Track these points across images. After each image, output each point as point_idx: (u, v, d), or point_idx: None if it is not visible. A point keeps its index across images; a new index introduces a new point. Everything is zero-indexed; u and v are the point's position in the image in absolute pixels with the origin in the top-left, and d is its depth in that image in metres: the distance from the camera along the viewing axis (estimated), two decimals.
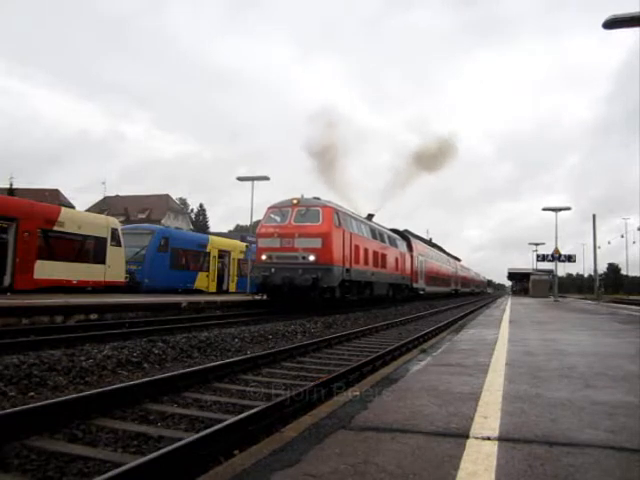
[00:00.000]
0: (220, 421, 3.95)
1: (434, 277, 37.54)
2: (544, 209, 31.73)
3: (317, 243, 15.79)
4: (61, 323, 10.61)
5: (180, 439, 3.41)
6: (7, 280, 15.60)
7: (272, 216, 17.06)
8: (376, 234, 22.44)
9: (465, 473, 2.20)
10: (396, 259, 25.51)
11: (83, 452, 3.30)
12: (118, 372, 6.03)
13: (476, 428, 2.89)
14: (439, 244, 62.46)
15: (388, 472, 2.22)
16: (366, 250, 19.86)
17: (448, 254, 56.23)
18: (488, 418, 3.10)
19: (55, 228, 17.33)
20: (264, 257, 16.26)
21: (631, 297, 54.96)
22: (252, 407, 4.35)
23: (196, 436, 3.39)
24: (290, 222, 16.39)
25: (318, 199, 17.34)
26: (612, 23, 10.68)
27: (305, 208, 16.65)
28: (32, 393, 4.84)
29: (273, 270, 15.86)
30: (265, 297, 16.52)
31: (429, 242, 51.41)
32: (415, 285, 30.49)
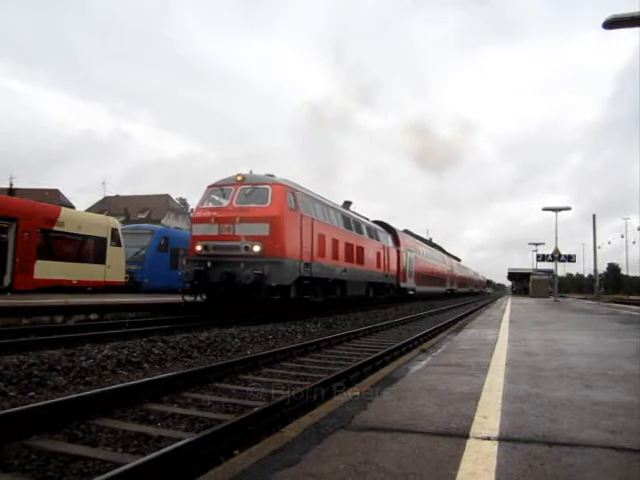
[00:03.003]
0: (220, 421, 3.96)
1: (426, 276, 34.63)
2: (544, 209, 31.74)
3: (264, 230, 12.48)
4: (61, 323, 10.61)
5: (180, 439, 3.41)
6: (7, 280, 15.61)
7: (212, 197, 13.79)
8: (350, 223, 18.98)
9: (465, 473, 2.20)
10: (378, 254, 22.28)
11: (83, 452, 3.30)
12: (118, 372, 6.02)
13: (476, 428, 2.88)
14: (439, 244, 62.49)
15: (388, 472, 2.22)
16: (335, 241, 16.52)
17: (448, 254, 56.18)
18: (488, 418, 3.10)
19: (55, 228, 17.33)
20: (199, 248, 12.90)
21: (631, 297, 54.95)
22: (252, 407, 4.35)
23: (196, 436, 3.39)
24: (232, 204, 13.00)
25: (272, 176, 13.94)
26: (612, 23, 10.67)
27: (251, 186, 13.19)
28: (32, 393, 4.84)
29: (209, 264, 12.60)
30: (199, 298, 13.06)
31: (429, 242, 51.37)
32: (403, 284, 27.19)
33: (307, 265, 13.86)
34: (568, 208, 31.59)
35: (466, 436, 2.74)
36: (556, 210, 31.40)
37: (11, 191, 43.26)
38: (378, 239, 22.92)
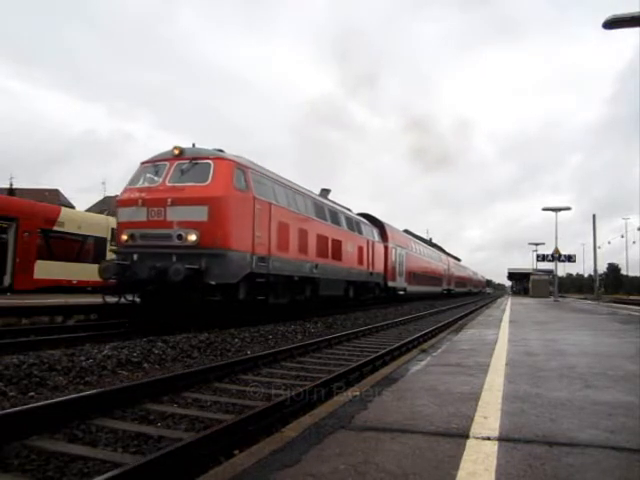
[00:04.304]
0: (220, 421, 3.96)
1: (419, 274, 32.22)
2: (544, 209, 31.74)
3: (201, 214, 10.12)
4: (61, 323, 10.61)
5: (180, 439, 3.42)
6: (7, 280, 15.62)
7: (144, 175, 11.22)
8: (325, 213, 16.45)
9: (465, 473, 2.20)
10: (360, 249, 19.82)
11: (83, 452, 3.30)
12: (118, 372, 6.02)
13: (476, 428, 2.89)
14: (439, 244, 62.42)
15: (388, 472, 2.22)
16: (303, 232, 14.07)
17: (447, 253, 56.10)
18: (488, 418, 3.10)
19: (55, 228, 17.34)
20: (124, 237, 10.61)
21: (631, 297, 54.94)
22: (252, 407, 4.35)
23: (196, 436, 3.39)
24: (164, 183, 10.58)
25: (222, 151, 11.38)
26: (612, 23, 10.67)
27: (189, 161, 10.74)
28: (32, 393, 4.84)
29: (135, 257, 10.27)
30: (124, 300, 10.58)
31: (429, 242, 51.32)
32: (391, 283, 24.65)
33: (262, 259, 11.41)
34: (568, 208, 31.61)
35: (466, 436, 2.74)
36: (556, 210, 31.41)
37: (11, 191, 43.26)
38: (361, 232, 20.50)
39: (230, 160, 10.96)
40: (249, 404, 4.70)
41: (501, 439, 2.69)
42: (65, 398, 4.18)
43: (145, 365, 6.49)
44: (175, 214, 10.19)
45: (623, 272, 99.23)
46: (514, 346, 7.00)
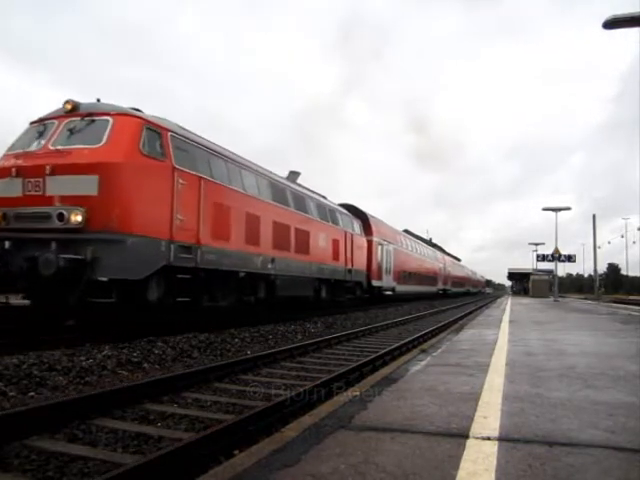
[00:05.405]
0: (220, 421, 3.96)
1: (410, 273, 29.70)
2: (544, 209, 31.76)
3: (90, 186, 7.61)
4: (61, 323, 10.58)
5: (180, 439, 3.42)
6: None
7: (27, 137, 8.70)
8: (286, 196, 13.83)
9: (465, 473, 2.20)
10: (335, 242, 17.20)
11: (83, 452, 3.30)
12: (118, 372, 6.02)
13: (476, 428, 2.89)
14: (439, 244, 62.33)
15: (388, 472, 2.22)
16: (253, 218, 11.48)
17: (447, 253, 56.02)
18: (488, 418, 3.10)
19: None
20: None
21: (631, 297, 54.94)
22: (252, 407, 4.35)
23: (196, 436, 3.39)
24: (46, 145, 8.13)
25: (138, 110, 9.00)
26: (612, 23, 10.67)
27: (81, 118, 8.28)
28: (32, 393, 4.83)
29: (7, 245, 7.83)
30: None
31: (429, 242, 51.25)
32: (376, 283, 22.33)
33: (187, 249, 9.00)
34: (568, 208, 31.63)
35: (466, 436, 2.74)
36: (556, 210, 31.43)
37: None
38: (337, 223, 17.78)
39: (137, 117, 8.57)
40: (249, 404, 4.70)
41: (501, 439, 2.69)
42: (65, 398, 4.19)
43: (145, 365, 6.49)
44: (56, 186, 7.67)
45: (623, 272, 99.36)
46: (514, 346, 7.01)
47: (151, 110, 9.22)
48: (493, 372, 4.79)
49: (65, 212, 7.50)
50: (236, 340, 8.91)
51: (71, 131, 8.18)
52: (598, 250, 34.94)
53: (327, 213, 17.08)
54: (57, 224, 7.52)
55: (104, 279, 7.53)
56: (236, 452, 3.24)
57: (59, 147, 7.96)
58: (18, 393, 4.78)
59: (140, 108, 9.14)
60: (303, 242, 14.42)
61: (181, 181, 8.90)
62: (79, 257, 7.37)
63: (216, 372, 5.84)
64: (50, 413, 3.82)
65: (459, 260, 68.24)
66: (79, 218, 7.49)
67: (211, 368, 5.89)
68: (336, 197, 21.49)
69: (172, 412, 4.36)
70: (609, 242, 64.66)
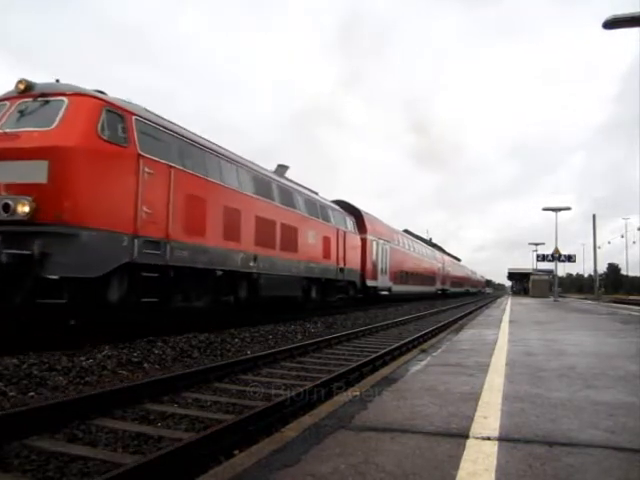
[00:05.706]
0: (220, 421, 3.96)
1: (408, 273, 29.02)
2: (544, 209, 31.77)
3: (39, 173, 6.95)
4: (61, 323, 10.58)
5: (180, 439, 3.42)
6: None
7: None
8: (271, 190, 13.04)
9: (465, 473, 2.20)
10: (326, 240, 16.50)
11: (83, 452, 3.30)
12: (118, 372, 6.02)
13: (476, 428, 2.89)
14: (439, 244, 62.33)
15: (388, 472, 2.22)
16: (233, 212, 10.77)
17: (446, 252, 56.00)
18: (488, 418, 3.10)
19: None
20: None
21: (631, 297, 54.94)
22: (252, 407, 4.35)
23: (196, 436, 3.39)
24: None
25: (102, 92, 8.26)
26: (612, 23, 10.67)
27: (34, 99, 7.63)
28: (32, 393, 4.83)
29: None
30: None
31: (429, 242, 51.26)
32: (371, 282, 21.60)
33: (154, 245, 8.26)
34: (568, 208, 31.64)
35: (466, 436, 2.74)
36: (556, 210, 31.43)
37: None
38: (328, 220, 17.05)
39: (96, 98, 7.79)
40: (249, 404, 4.70)
41: (501, 439, 2.69)
42: (65, 398, 4.19)
43: (145, 365, 6.49)
44: (1, 173, 7.04)
45: (623, 272, 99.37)
46: (514, 346, 7.01)
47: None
48: (493, 372, 4.79)
49: (11, 202, 6.79)
50: (236, 340, 8.91)
51: (22, 113, 7.51)
52: (598, 250, 34.97)
53: (317, 209, 16.33)
54: (2, 215, 6.79)
55: (54, 277, 6.79)
56: (236, 452, 3.24)
57: (7, 130, 7.26)
58: (18, 393, 4.78)
59: (105, 91, 8.32)
60: (290, 239, 13.68)
61: (147, 170, 8.16)
62: (25, 252, 6.62)
63: (216, 372, 5.84)
64: (50, 413, 3.82)
65: (459, 260, 68.25)
66: (26, 209, 6.76)
67: (211, 368, 5.89)
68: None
69: (172, 412, 4.36)
70: (609, 242, 64.58)
